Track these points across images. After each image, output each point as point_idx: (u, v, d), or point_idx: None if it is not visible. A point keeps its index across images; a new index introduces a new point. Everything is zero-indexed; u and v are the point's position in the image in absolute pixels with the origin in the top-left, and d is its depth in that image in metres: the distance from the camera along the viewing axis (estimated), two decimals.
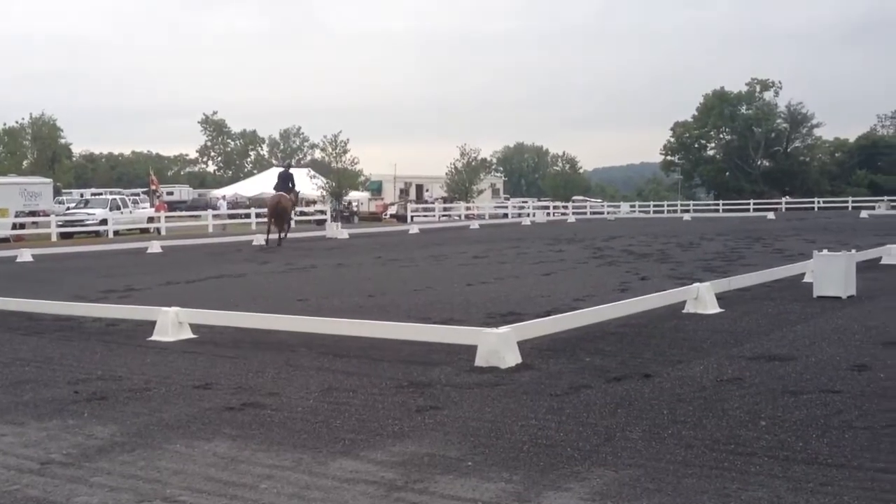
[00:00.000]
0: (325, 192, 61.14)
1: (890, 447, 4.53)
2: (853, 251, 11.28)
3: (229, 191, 72.74)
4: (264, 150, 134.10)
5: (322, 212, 53.42)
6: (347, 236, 33.42)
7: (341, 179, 61.20)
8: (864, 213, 47.40)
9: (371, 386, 6.41)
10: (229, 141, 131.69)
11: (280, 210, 27.58)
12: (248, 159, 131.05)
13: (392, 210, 65.34)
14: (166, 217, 43.02)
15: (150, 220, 42.61)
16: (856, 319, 8.91)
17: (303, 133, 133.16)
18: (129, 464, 4.64)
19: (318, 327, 8.40)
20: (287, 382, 6.61)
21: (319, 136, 79.70)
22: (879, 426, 4.93)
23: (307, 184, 60.86)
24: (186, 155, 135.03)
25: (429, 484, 4.17)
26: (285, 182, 28.80)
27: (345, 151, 62.13)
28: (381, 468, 4.44)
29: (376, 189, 75.70)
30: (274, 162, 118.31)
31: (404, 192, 78.05)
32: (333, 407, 5.79)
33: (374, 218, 62.66)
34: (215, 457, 4.73)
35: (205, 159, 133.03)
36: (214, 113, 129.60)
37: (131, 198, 50.55)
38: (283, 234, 27.78)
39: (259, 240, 29.24)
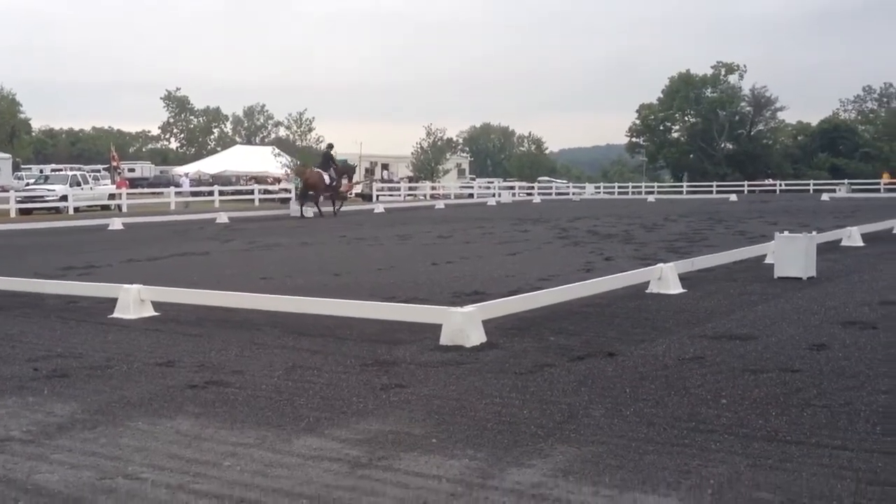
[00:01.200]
0: (289, 171, 60.67)
1: (847, 425, 4.61)
2: (814, 233, 11.43)
3: (192, 168, 71.86)
4: (228, 128, 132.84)
5: (287, 190, 53.03)
6: (312, 215, 33.23)
7: (306, 158, 60.72)
8: (825, 196, 48.04)
9: (336, 364, 6.39)
10: (192, 118, 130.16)
11: (309, 185, 32.20)
12: (212, 136, 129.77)
13: (357, 189, 65.05)
14: (128, 194, 42.46)
15: (112, 196, 42.00)
16: (815, 300, 9.04)
17: (267, 111, 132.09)
18: (90, 441, 4.60)
19: (282, 305, 8.36)
20: (251, 360, 6.57)
21: (284, 114, 79.00)
22: (837, 404, 5.01)
23: (272, 162, 60.37)
24: (149, 131, 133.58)
25: (393, 461, 4.18)
26: (326, 161, 33.04)
27: (310, 130, 61.58)
28: (345, 445, 4.44)
29: None
30: (238, 139, 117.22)
31: (370, 172, 77.72)
32: (298, 385, 5.77)
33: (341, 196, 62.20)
34: (178, 434, 4.69)
35: (167, 136, 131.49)
36: (177, 89, 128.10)
37: (92, 174, 49.89)
38: (336, 208, 32.90)
39: (223, 217, 29.30)
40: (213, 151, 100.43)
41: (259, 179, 59.25)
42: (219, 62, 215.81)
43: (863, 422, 4.65)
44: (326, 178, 32.26)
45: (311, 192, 32.32)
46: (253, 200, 48.09)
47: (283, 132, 67.38)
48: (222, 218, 29.54)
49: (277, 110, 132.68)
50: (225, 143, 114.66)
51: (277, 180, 60.48)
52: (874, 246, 15.14)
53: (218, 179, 60.29)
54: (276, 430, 4.75)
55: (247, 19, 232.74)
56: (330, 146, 36.01)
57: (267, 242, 19.15)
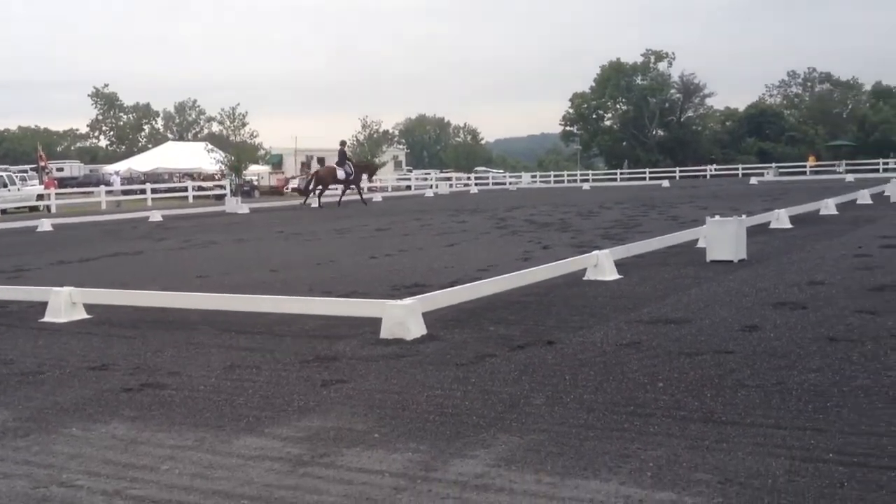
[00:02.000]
0: (223, 167, 59.86)
1: (780, 403, 4.72)
2: (743, 217, 11.67)
3: (123, 166, 70.40)
4: (159, 124, 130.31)
5: (221, 186, 52.35)
6: (248, 211, 32.89)
7: (240, 153, 59.93)
8: (753, 180, 49.11)
9: (275, 362, 6.34)
10: (122, 115, 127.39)
11: (317, 179, 35.54)
12: (143, 133, 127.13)
13: (294, 184, 64.52)
14: (57, 194, 41.48)
15: (40, 197, 40.96)
16: (746, 282, 9.23)
17: (199, 106, 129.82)
18: (22, 449, 4.48)
19: (219, 304, 8.24)
20: (188, 361, 6.48)
21: (217, 110, 77.92)
22: (770, 384, 5.13)
23: (205, 158, 59.48)
24: (76, 129, 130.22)
25: (335, 457, 4.16)
26: (341, 157, 35.33)
27: (243, 125, 60.80)
28: (286, 444, 4.40)
29: (277, 163, 74.48)
30: (170, 136, 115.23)
31: (306, 166, 77.08)
32: (236, 384, 5.71)
33: (275, 192, 61.77)
34: (114, 439, 4.60)
35: (96, 134, 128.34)
36: (105, 86, 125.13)
37: (19, 175, 48.49)
38: (362, 198, 36.00)
39: (156, 215, 28.98)
40: (145, 149, 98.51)
41: (206, 177, 58.37)
42: (148, 57, 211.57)
43: (795, 400, 4.77)
44: (341, 173, 34.98)
45: (319, 187, 35.07)
46: (187, 198, 47.35)
47: (216, 128, 66.40)
48: (155, 216, 29.04)
49: (210, 106, 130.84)
50: (156, 140, 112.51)
51: (211, 176, 59.67)
52: (801, 228, 15.52)
53: (150, 177, 59.23)
54: (215, 430, 4.69)
55: (177, 13, 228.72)
56: (343, 143, 37.60)
57: (202, 240, 18.87)
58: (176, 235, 20.84)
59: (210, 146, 61.90)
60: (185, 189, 49.50)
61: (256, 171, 66.08)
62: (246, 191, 56.56)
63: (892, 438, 4.06)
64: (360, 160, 40.40)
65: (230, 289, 9.57)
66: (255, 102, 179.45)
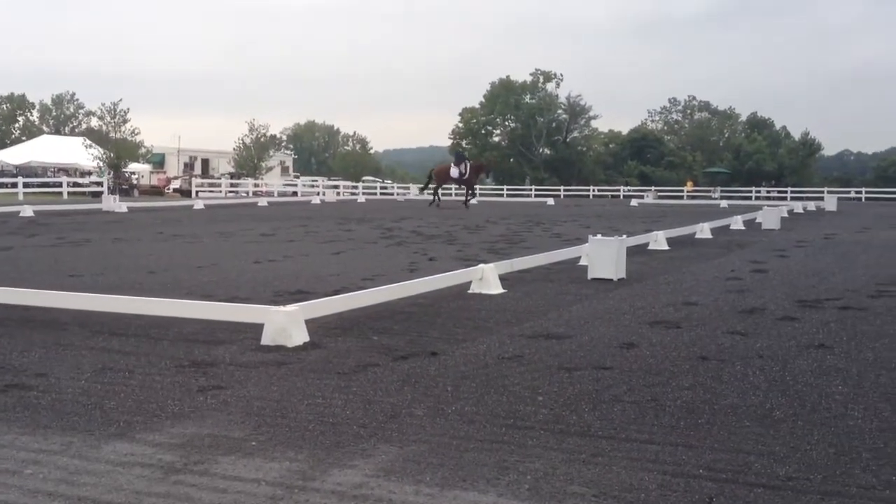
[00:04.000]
0: (101, 163, 57.92)
1: (654, 419, 4.85)
2: (624, 237, 11.98)
3: None
4: (34, 116, 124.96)
5: (98, 183, 50.59)
6: (126, 210, 31.88)
7: (120, 150, 58.17)
8: (634, 202, 50.67)
9: (150, 366, 6.13)
10: None
11: (436, 177, 39.94)
12: (16, 125, 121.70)
13: (175, 184, 62.96)
14: None
15: None
16: (625, 300, 9.48)
17: (77, 100, 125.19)
18: None
19: (91, 304, 7.92)
20: (57, 363, 6.20)
21: (97, 104, 75.24)
22: (645, 400, 5.27)
23: (82, 154, 57.45)
24: None
25: (210, 465, 4.04)
26: (460, 158, 40.06)
27: (124, 121, 59.13)
28: (158, 450, 4.25)
29: (158, 162, 72.58)
30: (45, 129, 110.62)
31: (189, 167, 75.36)
32: (108, 388, 5.49)
33: (156, 192, 60.16)
34: None
35: None
36: None
37: None
38: (466, 200, 39.18)
39: (27, 211, 27.89)
40: (18, 141, 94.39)
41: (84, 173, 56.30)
42: (25, 47, 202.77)
43: (668, 416, 4.91)
44: (455, 172, 38.46)
45: (434, 184, 39.19)
46: (61, 193, 45.55)
47: (95, 123, 64.20)
48: (27, 211, 27.85)
49: (90, 100, 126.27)
50: (31, 132, 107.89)
51: (88, 173, 57.61)
52: (678, 249, 16.07)
53: (22, 171, 56.71)
54: (84, 435, 4.50)
55: (63, 1, 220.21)
56: (458, 145, 42.21)
57: (76, 238, 18.17)
58: (48, 232, 20.00)
59: (88, 142, 59.87)
60: (60, 184, 47.59)
61: (137, 170, 64.26)
62: (125, 189, 54.86)
63: (758, 456, 4.22)
64: (476, 160, 43.77)
65: (104, 289, 9.23)
66: (138, 99, 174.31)
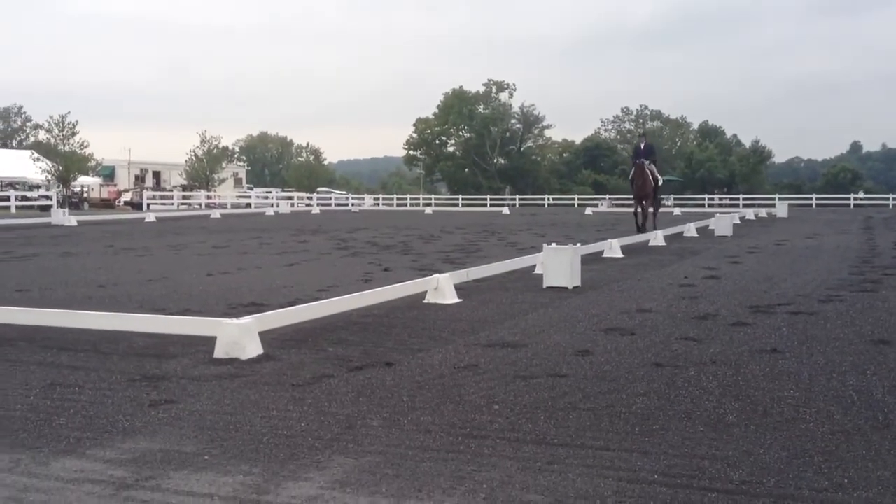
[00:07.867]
0: (50, 177, 57.00)
1: (609, 426, 4.87)
2: (578, 245, 12.05)
3: None
4: None
5: (47, 197, 49.75)
6: (76, 223, 31.36)
7: (69, 163, 57.30)
8: (588, 211, 51.05)
9: (100, 381, 6.02)
10: None
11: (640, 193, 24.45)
12: None
13: (126, 197, 62.17)
14: None
15: None
16: (580, 308, 9.52)
17: (25, 112, 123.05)
18: None
19: (39, 319, 7.76)
20: (3, 379, 6.05)
21: (45, 117, 74.04)
22: (600, 407, 5.28)
23: (30, 167, 56.54)
24: None
25: (161, 480, 3.97)
26: (647, 153, 25.22)
27: (73, 134, 58.30)
28: (109, 466, 4.17)
29: (108, 175, 71.62)
30: None
31: (140, 179, 74.50)
32: (57, 404, 5.38)
33: (107, 205, 59.33)
34: None
35: None
36: None
37: None
38: (653, 220, 24.49)
39: None
40: None
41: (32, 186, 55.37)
42: None
43: (623, 423, 4.93)
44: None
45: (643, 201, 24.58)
46: (9, 207, 44.68)
47: (43, 136, 63.15)
48: None
49: (37, 113, 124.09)
50: None
51: (37, 186, 56.69)
52: (632, 257, 16.21)
53: None
54: (32, 452, 4.39)
55: (7, 12, 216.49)
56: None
57: (24, 253, 17.82)
58: None
59: (36, 154, 58.91)
60: (8, 198, 46.68)
61: (87, 183, 63.34)
62: (74, 202, 54.04)
63: (712, 461, 4.25)
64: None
65: (53, 304, 9.06)
66: (87, 112, 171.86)
